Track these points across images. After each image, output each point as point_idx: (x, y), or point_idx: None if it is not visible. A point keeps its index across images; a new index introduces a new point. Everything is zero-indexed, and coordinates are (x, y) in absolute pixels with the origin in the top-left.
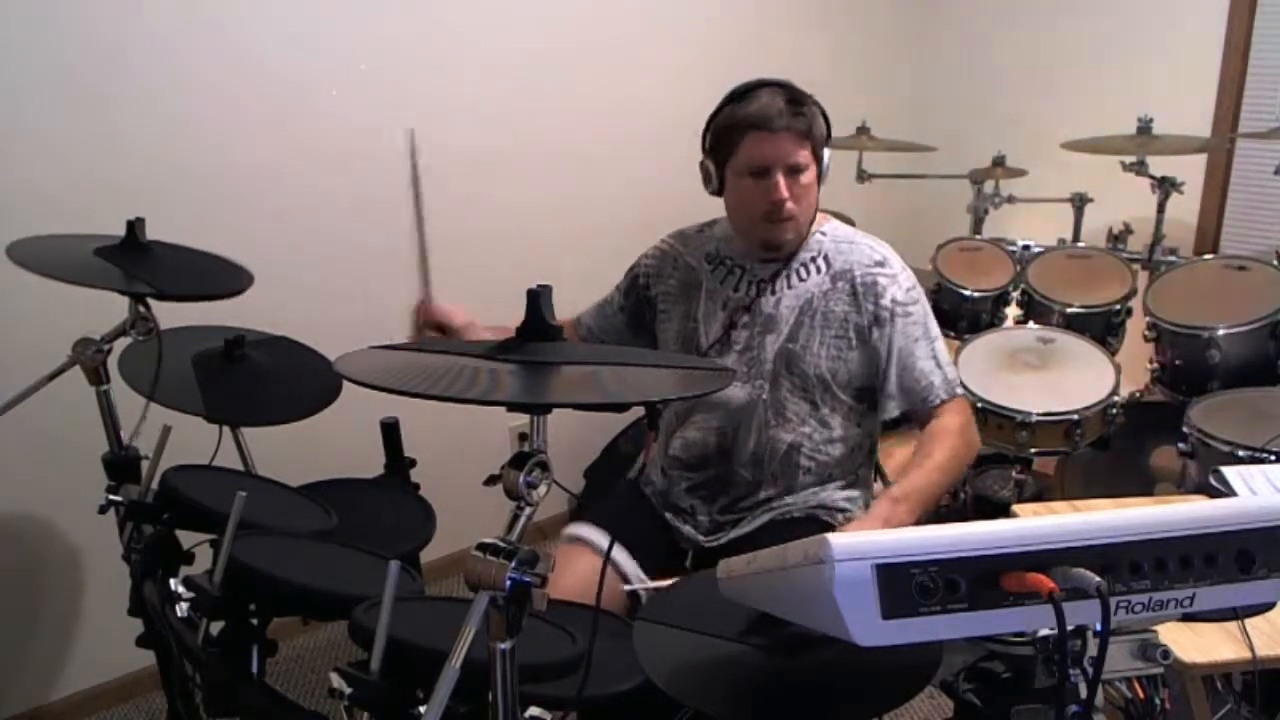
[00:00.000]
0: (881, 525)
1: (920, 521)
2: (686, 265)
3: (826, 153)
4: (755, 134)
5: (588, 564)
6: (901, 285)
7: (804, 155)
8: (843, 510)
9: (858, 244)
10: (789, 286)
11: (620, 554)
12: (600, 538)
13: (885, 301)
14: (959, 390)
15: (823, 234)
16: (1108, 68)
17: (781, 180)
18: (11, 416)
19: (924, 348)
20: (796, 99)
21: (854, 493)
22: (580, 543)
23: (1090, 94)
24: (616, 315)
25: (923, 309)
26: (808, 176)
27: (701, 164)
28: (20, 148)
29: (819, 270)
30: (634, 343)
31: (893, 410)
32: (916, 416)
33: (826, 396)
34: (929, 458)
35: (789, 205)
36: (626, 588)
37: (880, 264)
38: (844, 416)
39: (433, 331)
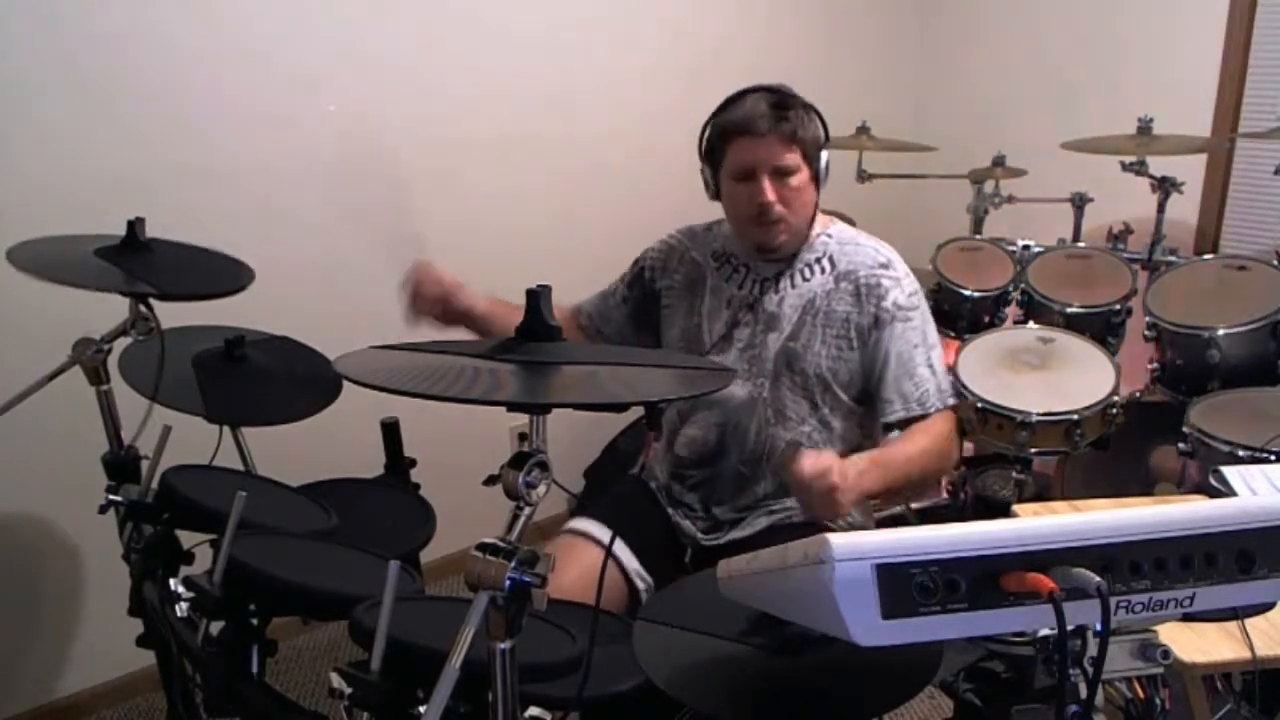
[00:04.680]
0: (853, 473)
1: (900, 511)
2: (693, 261)
3: (824, 155)
4: (740, 139)
5: (588, 558)
6: (904, 289)
7: (791, 158)
8: (845, 515)
9: (863, 245)
10: (792, 286)
11: (621, 548)
12: (601, 532)
13: (887, 304)
14: (951, 401)
15: (828, 235)
16: (1108, 68)
17: (767, 183)
18: (11, 416)
19: (921, 354)
20: (782, 103)
21: None
22: (581, 536)
23: (1090, 94)
24: (619, 306)
25: (923, 315)
26: (798, 179)
27: (701, 171)
28: (21, 146)
29: (823, 271)
30: (635, 336)
31: (891, 413)
32: (909, 423)
33: (827, 397)
34: (911, 440)
35: (777, 208)
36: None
37: (884, 266)
38: (845, 418)
39: (430, 294)
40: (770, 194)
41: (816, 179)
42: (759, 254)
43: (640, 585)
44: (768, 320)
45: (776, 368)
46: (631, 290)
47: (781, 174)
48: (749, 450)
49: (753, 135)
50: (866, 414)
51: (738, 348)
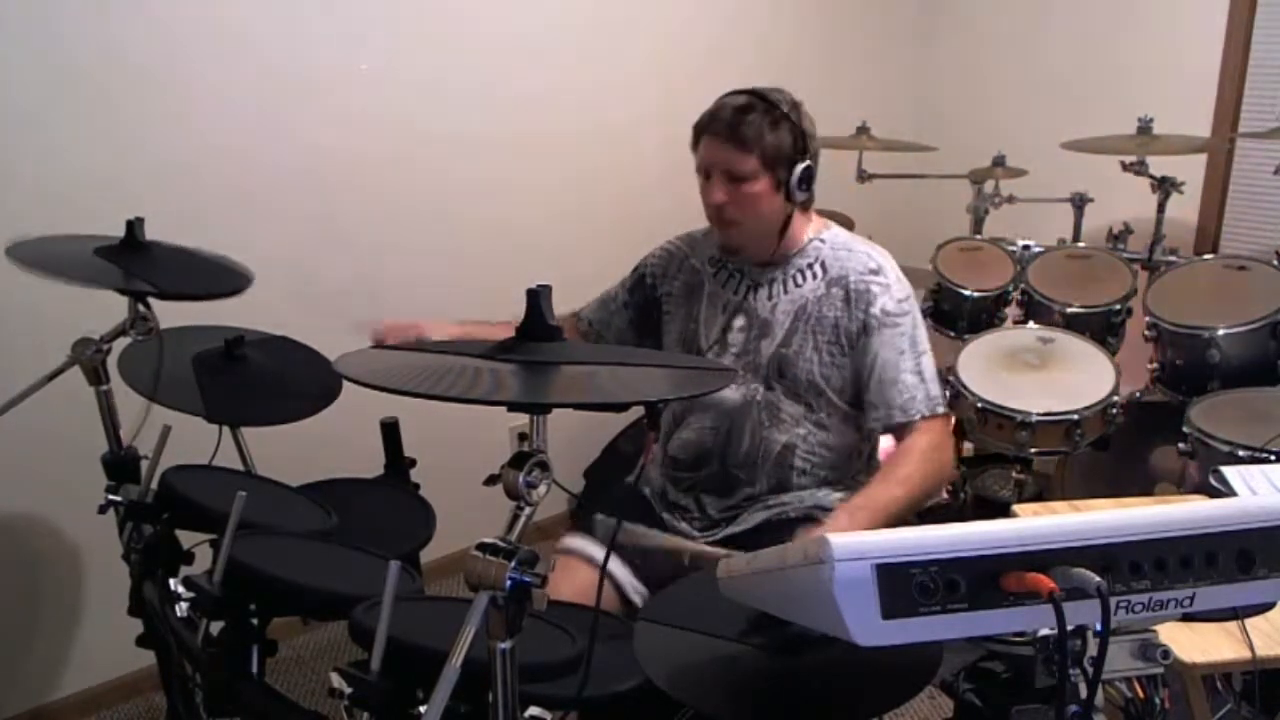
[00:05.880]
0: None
1: (907, 523)
2: (691, 267)
3: (799, 167)
4: (703, 137)
5: (583, 576)
6: (894, 295)
7: (744, 163)
8: None
9: (855, 251)
10: (785, 292)
11: (616, 565)
12: (595, 549)
13: (875, 310)
14: (941, 410)
15: (821, 240)
16: (1108, 68)
17: (718, 184)
18: (11, 416)
19: (909, 360)
20: (748, 108)
21: (850, 495)
22: (576, 555)
23: (1090, 94)
24: (621, 312)
25: (912, 321)
26: (755, 186)
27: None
28: (20, 147)
29: (815, 276)
30: (637, 341)
31: (875, 420)
32: (894, 430)
33: (820, 401)
34: (894, 470)
35: (727, 210)
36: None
37: (875, 272)
38: (840, 420)
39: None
40: (719, 195)
41: (785, 189)
42: (721, 253)
43: (637, 600)
44: (761, 326)
45: (769, 373)
46: (633, 296)
47: (734, 178)
48: (743, 453)
49: (710, 135)
50: (862, 417)
51: (732, 352)
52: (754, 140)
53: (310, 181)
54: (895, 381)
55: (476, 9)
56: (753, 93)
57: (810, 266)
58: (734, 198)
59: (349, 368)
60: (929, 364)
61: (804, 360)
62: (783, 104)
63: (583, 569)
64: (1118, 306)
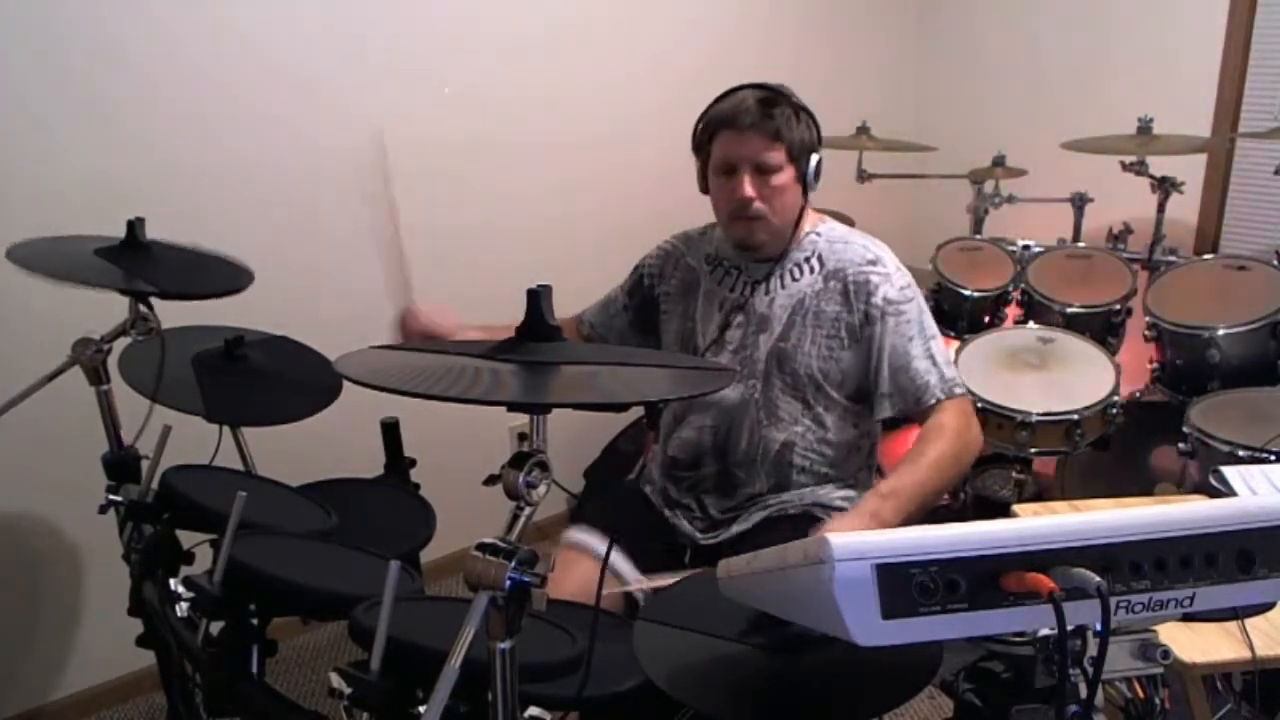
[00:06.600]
0: (868, 520)
1: (914, 521)
2: (687, 266)
3: (814, 158)
4: (725, 132)
5: (586, 569)
6: (894, 284)
7: (774, 156)
8: (839, 509)
9: (852, 243)
10: (782, 286)
11: (618, 558)
12: (598, 543)
13: (876, 300)
14: (959, 390)
15: (817, 234)
16: (1108, 67)
17: (747, 178)
18: (11, 416)
19: (919, 346)
20: (770, 100)
21: (851, 493)
22: (579, 548)
23: (1090, 94)
24: (621, 315)
25: (917, 307)
26: (780, 178)
27: (696, 164)
28: (20, 147)
29: (812, 270)
30: (639, 342)
31: (886, 410)
32: (913, 417)
33: (819, 396)
34: (921, 456)
35: (756, 204)
36: (623, 589)
37: (873, 262)
38: (839, 417)
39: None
40: (749, 189)
41: (803, 181)
42: (741, 250)
43: (639, 595)
44: (759, 321)
45: (768, 368)
46: (632, 298)
47: (763, 171)
48: (742, 451)
49: (736, 130)
50: (862, 412)
51: (729, 349)
52: (783, 133)
53: (310, 181)
54: (907, 369)
55: (476, 9)
56: (765, 87)
57: (807, 260)
58: (762, 192)
59: (349, 368)
60: (939, 347)
61: (802, 354)
62: (793, 96)
63: (587, 564)
64: (1118, 306)
